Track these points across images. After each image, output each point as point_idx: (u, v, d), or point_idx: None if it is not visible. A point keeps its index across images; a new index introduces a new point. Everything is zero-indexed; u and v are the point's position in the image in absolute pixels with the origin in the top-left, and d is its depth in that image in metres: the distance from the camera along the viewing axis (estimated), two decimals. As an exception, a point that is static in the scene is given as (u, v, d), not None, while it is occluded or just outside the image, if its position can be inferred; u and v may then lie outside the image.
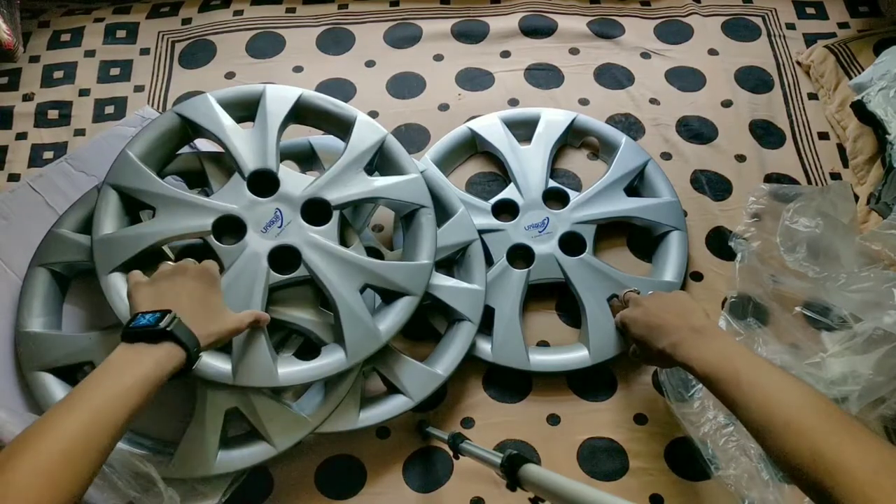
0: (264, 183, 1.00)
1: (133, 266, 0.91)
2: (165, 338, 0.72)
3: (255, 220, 0.97)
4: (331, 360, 0.95)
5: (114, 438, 0.64)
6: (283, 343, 1.02)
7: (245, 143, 1.01)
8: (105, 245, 0.94)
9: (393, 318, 0.98)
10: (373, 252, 1.07)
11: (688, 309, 0.87)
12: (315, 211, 1.00)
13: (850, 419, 0.63)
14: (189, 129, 1.03)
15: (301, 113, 1.06)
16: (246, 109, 1.05)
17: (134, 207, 0.99)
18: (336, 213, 0.99)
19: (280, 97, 1.05)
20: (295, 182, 1.00)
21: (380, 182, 1.03)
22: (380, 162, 1.06)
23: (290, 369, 0.93)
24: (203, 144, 1.16)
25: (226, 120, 1.02)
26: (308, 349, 1.02)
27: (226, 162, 1.04)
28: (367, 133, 1.05)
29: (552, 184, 1.18)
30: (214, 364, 0.91)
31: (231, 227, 0.98)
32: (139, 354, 0.70)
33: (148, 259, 0.95)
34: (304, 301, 0.99)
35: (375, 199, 1.04)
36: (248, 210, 0.98)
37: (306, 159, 1.15)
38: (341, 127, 1.07)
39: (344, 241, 1.02)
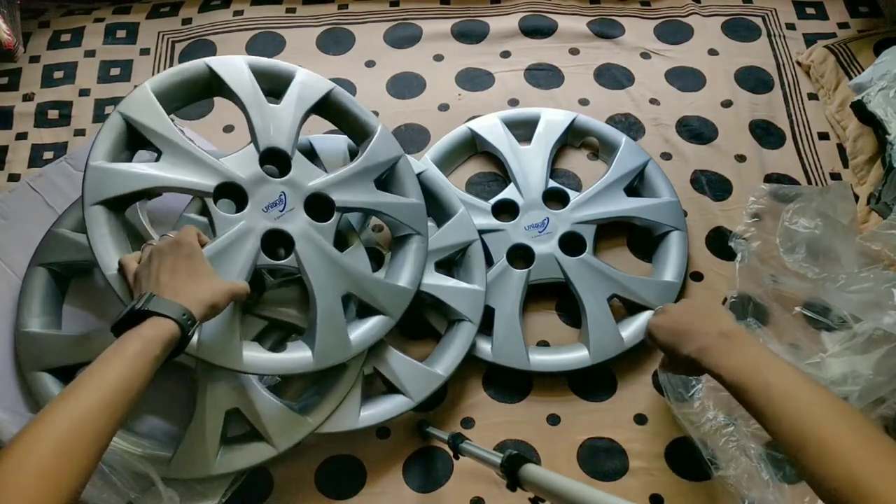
0: (277, 163, 0.98)
1: (120, 205, 0.87)
2: (146, 316, 0.70)
3: (258, 197, 0.94)
4: (297, 358, 0.93)
5: (113, 423, 0.63)
6: (281, 342, 1.02)
7: (267, 118, 0.97)
8: (98, 174, 0.86)
9: (365, 333, 0.96)
10: (373, 252, 1.07)
11: (715, 313, 0.84)
12: (318, 206, 0.98)
13: (887, 440, 0.60)
14: (214, 86, 0.98)
15: (327, 107, 1.04)
16: (274, 84, 1.01)
17: (137, 144, 0.93)
18: (337, 215, 0.99)
19: (311, 84, 1.02)
20: (306, 172, 0.98)
21: (387, 198, 1.02)
22: (388, 177, 1.05)
23: (256, 355, 0.90)
24: (200, 142, 1.16)
25: (253, 87, 0.98)
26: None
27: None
28: (386, 147, 1.04)
29: (552, 184, 1.18)
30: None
31: (232, 196, 0.95)
32: (125, 338, 0.68)
33: (132, 236, 0.94)
34: (305, 302, 0.99)
35: (377, 213, 1.03)
36: (255, 185, 0.94)
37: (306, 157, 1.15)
38: (361, 133, 1.05)
39: (343, 242, 1.02)
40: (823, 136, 1.28)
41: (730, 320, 0.81)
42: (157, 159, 0.90)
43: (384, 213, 1.02)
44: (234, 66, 0.98)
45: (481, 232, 1.10)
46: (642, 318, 1.08)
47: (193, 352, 0.85)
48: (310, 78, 1.03)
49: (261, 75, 0.99)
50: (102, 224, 0.85)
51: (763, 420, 0.68)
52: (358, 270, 0.97)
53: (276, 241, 0.95)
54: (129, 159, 0.91)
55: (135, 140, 0.91)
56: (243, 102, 0.97)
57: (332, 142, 1.14)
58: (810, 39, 1.39)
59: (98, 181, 0.86)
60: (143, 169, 0.88)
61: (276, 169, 0.98)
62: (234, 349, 0.89)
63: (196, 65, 0.97)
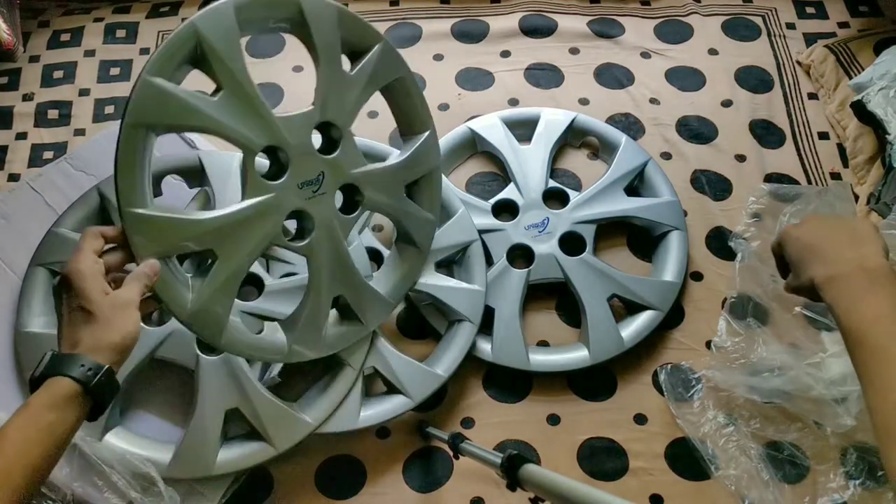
0: (326, 137, 0.89)
1: (159, 131, 0.75)
2: (42, 381, 0.63)
3: (299, 169, 0.84)
4: (271, 347, 0.89)
5: (12, 488, 0.58)
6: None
7: (331, 87, 0.86)
8: (154, 93, 0.72)
9: (339, 336, 0.94)
10: (373, 252, 1.07)
11: (865, 239, 0.69)
12: (347, 197, 0.93)
13: None
14: (296, 22, 0.84)
15: (391, 88, 0.95)
16: (355, 50, 0.90)
17: (197, 65, 0.77)
18: (361, 212, 0.93)
19: (392, 61, 0.93)
20: (350, 157, 0.89)
21: (411, 207, 0.98)
22: (414, 188, 1.01)
23: (238, 337, 0.85)
24: (202, 143, 1.16)
25: (337, 42, 0.86)
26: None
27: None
28: (429, 157, 1.00)
29: (552, 184, 1.18)
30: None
31: (274, 159, 0.85)
32: (21, 407, 0.62)
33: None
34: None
35: (396, 218, 0.99)
36: (300, 155, 0.84)
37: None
38: (409, 130, 1.00)
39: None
40: (823, 135, 1.28)
41: (879, 252, 0.67)
42: (215, 94, 0.77)
43: (401, 221, 0.99)
44: (331, 12, 0.85)
45: (481, 232, 1.10)
46: (642, 318, 1.08)
47: (183, 314, 0.78)
48: (392, 55, 0.92)
49: (347, 27, 0.87)
50: (135, 151, 0.72)
51: (864, 383, 0.59)
52: (356, 274, 0.94)
53: (298, 221, 0.88)
54: (179, 82, 0.76)
55: (197, 62, 0.77)
56: (318, 58, 0.84)
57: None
58: (810, 39, 1.39)
59: (150, 101, 0.72)
60: (202, 104, 0.76)
61: (324, 143, 0.89)
62: (222, 322, 0.83)
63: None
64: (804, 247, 0.72)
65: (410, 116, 1.00)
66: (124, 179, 0.72)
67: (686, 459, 1.00)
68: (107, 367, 0.64)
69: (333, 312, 0.96)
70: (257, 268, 1.01)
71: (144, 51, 1.38)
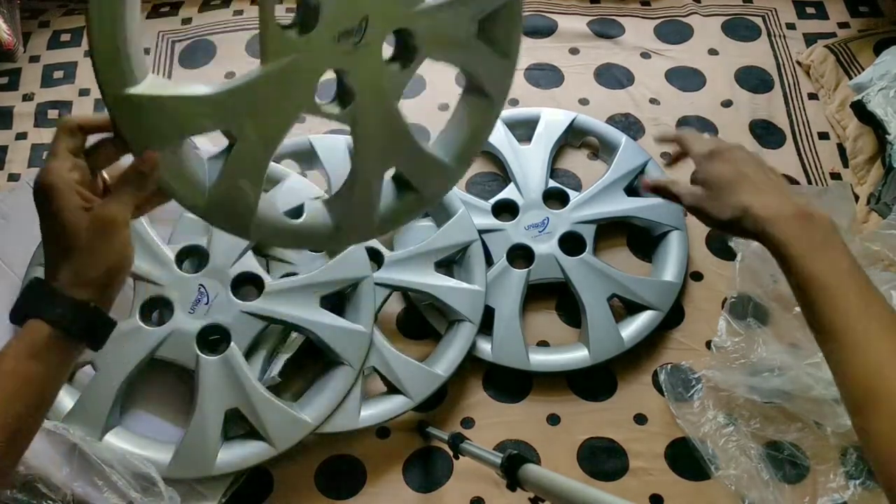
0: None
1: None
2: (24, 318, 0.53)
3: (332, 15, 0.62)
4: (314, 233, 0.72)
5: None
6: (283, 341, 1.02)
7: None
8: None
9: (394, 213, 0.75)
10: (373, 252, 1.07)
11: (792, 190, 0.67)
12: (400, 44, 0.76)
13: None
14: None
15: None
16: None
17: None
18: (419, 62, 0.76)
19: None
20: None
21: (481, 50, 0.77)
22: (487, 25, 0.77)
23: (272, 223, 0.69)
24: (202, 143, 1.16)
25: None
26: (309, 350, 1.02)
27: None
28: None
29: (552, 184, 1.18)
30: None
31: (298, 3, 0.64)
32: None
33: None
34: (305, 300, 0.99)
35: (464, 63, 0.80)
36: None
37: (307, 158, 1.15)
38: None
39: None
40: (823, 135, 1.28)
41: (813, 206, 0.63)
42: None
43: (471, 68, 0.80)
44: None
45: (481, 232, 1.10)
46: (642, 318, 1.08)
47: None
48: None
49: None
50: (112, 6, 0.53)
51: (831, 342, 0.55)
52: (413, 141, 0.74)
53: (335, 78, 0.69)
54: None
55: None
56: None
57: (331, 141, 1.14)
58: (810, 39, 1.39)
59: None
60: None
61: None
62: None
63: None
64: (738, 172, 0.66)
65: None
66: (102, 50, 0.52)
67: (686, 459, 1.00)
68: (91, 304, 0.53)
69: (387, 184, 0.77)
70: (257, 268, 1.01)
71: (145, 51, 1.38)
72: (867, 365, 0.53)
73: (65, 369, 0.55)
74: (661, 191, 0.70)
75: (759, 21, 1.42)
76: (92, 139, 0.56)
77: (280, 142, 0.64)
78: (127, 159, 0.56)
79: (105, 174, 0.58)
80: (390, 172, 0.76)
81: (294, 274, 1.03)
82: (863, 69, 1.25)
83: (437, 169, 0.78)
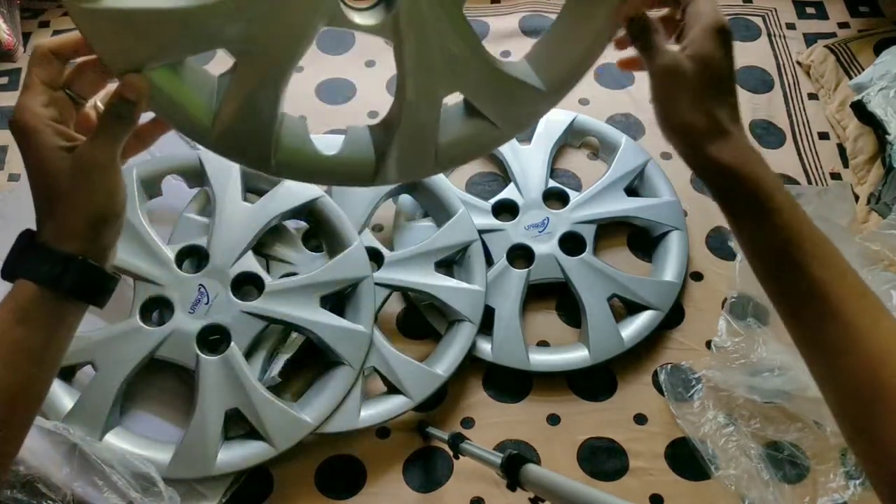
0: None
1: None
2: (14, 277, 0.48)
3: None
4: (355, 168, 0.63)
5: None
6: (283, 341, 1.02)
7: None
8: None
9: (461, 144, 0.61)
10: (373, 252, 1.07)
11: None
12: None
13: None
14: None
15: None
16: None
17: None
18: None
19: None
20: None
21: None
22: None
23: (302, 154, 0.60)
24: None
25: None
26: (309, 349, 1.02)
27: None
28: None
29: (552, 184, 1.18)
30: None
31: None
32: None
33: None
34: (305, 300, 0.99)
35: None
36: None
37: None
38: None
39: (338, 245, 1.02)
40: (823, 135, 1.28)
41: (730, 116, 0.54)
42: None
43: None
44: None
45: (481, 232, 1.10)
46: (642, 318, 1.08)
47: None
48: None
49: None
50: None
51: (818, 312, 0.47)
52: (483, 59, 0.59)
53: None
54: None
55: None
56: None
57: (332, 141, 1.13)
58: (810, 39, 1.39)
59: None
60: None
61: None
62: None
63: None
64: (734, 75, 0.54)
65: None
66: None
67: (686, 459, 1.00)
68: (79, 258, 0.47)
69: (456, 106, 0.61)
70: (257, 268, 1.01)
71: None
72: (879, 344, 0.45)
73: (63, 332, 0.50)
74: (635, 30, 0.54)
75: (759, 21, 1.42)
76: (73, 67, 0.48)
77: (296, 60, 0.51)
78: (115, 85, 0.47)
79: (100, 104, 0.49)
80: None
81: (294, 274, 1.03)
82: (863, 69, 1.25)
83: (521, 94, 0.62)
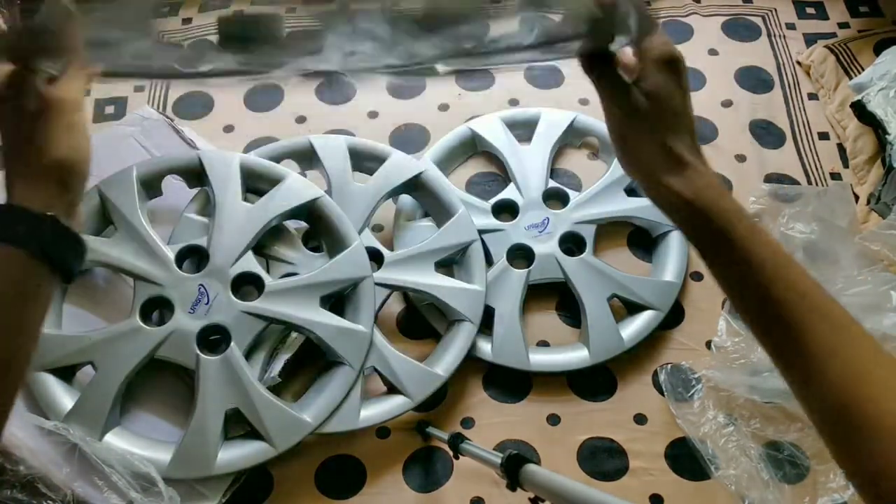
0: None
1: None
2: None
3: None
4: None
5: None
6: (283, 341, 1.02)
7: None
8: None
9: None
10: (373, 252, 1.07)
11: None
12: None
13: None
14: None
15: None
16: None
17: None
18: None
19: None
20: None
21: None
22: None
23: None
24: (202, 143, 1.16)
25: None
26: (309, 349, 1.02)
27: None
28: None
29: (552, 184, 1.18)
30: None
31: None
32: None
33: None
34: (305, 300, 0.99)
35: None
36: None
37: (307, 158, 1.15)
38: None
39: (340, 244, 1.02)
40: (823, 136, 1.28)
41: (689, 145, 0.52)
42: None
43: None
44: None
45: (481, 232, 1.10)
46: (642, 318, 1.08)
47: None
48: None
49: None
50: None
51: (802, 322, 0.45)
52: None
53: None
54: None
55: None
56: None
57: (332, 141, 1.14)
58: (810, 39, 1.39)
59: None
60: None
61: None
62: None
63: None
64: (689, 109, 0.54)
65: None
66: None
67: (686, 459, 1.00)
68: (49, 216, 0.46)
69: None
70: (257, 268, 1.01)
71: (144, 51, 1.38)
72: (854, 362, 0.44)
73: (35, 294, 0.48)
74: (587, 65, 0.50)
75: (758, 21, 1.42)
76: None
77: None
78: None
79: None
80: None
81: (294, 274, 1.03)
82: (863, 69, 1.25)
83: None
